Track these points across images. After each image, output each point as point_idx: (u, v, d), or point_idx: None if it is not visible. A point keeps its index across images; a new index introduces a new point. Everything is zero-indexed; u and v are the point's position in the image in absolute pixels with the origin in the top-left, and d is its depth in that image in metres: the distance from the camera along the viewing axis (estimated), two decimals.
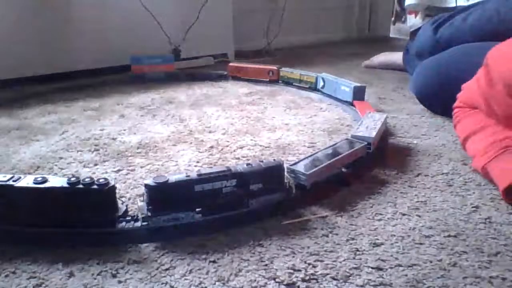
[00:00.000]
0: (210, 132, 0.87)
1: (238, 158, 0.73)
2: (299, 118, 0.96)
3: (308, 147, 0.78)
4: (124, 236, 0.49)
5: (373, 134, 0.70)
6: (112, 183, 0.49)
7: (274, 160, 0.57)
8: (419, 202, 0.58)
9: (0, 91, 1.22)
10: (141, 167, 0.70)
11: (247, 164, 0.53)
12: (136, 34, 1.46)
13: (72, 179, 0.48)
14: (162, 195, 0.49)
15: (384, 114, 0.82)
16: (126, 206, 0.52)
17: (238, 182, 0.52)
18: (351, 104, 1.01)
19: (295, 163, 0.60)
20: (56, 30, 1.34)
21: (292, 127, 0.90)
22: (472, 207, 0.57)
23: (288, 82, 1.25)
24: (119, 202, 0.53)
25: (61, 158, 0.74)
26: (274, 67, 1.28)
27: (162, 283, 0.42)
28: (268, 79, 1.29)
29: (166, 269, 0.44)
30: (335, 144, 0.68)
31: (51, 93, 1.22)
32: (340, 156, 0.63)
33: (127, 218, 0.51)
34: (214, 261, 0.46)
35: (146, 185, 0.49)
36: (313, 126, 0.90)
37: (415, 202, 0.58)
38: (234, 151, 0.77)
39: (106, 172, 0.68)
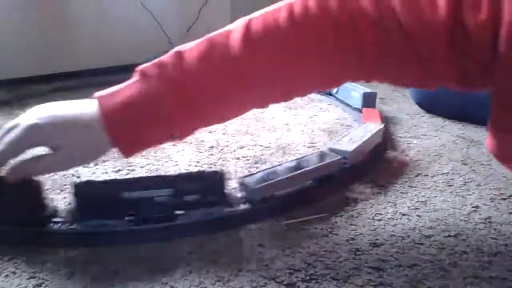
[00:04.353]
0: (210, 132, 0.87)
1: (238, 158, 0.73)
2: (299, 118, 0.96)
3: (308, 147, 0.78)
4: (49, 238, 0.48)
5: (352, 147, 0.64)
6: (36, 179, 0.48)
7: (215, 170, 0.53)
8: (419, 202, 0.58)
9: (0, 91, 1.22)
10: (141, 167, 0.70)
11: (184, 173, 0.51)
12: (136, 34, 1.46)
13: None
14: (87, 198, 0.48)
15: (380, 125, 0.75)
16: (56, 206, 0.51)
17: (171, 191, 0.49)
18: (360, 111, 0.93)
19: (248, 175, 0.57)
20: (56, 30, 1.34)
21: (292, 127, 0.90)
22: (472, 207, 0.57)
23: None
24: (49, 201, 0.51)
25: None
26: None
27: (162, 283, 0.42)
28: None
29: (166, 269, 0.44)
30: (304, 156, 0.63)
31: (51, 93, 1.22)
32: (301, 170, 0.57)
33: (57, 219, 0.49)
34: (214, 261, 0.46)
35: (75, 185, 0.48)
36: (313, 126, 0.90)
37: (415, 202, 0.58)
38: (234, 151, 0.77)
39: (106, 172, 0.68)
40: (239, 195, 0.55)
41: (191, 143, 0.80)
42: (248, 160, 0.73)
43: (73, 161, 0.47)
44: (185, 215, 0.51)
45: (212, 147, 0.78)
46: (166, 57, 0.45)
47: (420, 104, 1.02)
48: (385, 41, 0.42)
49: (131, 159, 0.73)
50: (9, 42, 1.25)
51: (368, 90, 0.96)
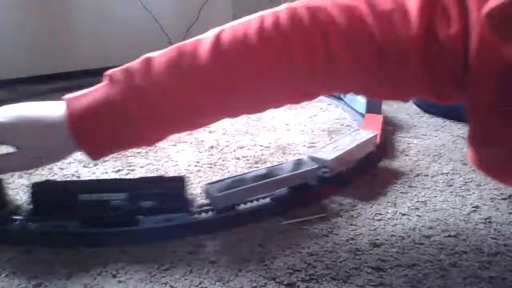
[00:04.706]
0: (210, 132, 0.87)
1: (238, 158, 0.73)
2: (299, 118, 0.96)
3: (308, 147, 0.78)
4: (7, 235, 0.48)
5: (333, 156, 0.60)
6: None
7: (176, 176, 0.51)
8: (419, 202, 0.58)
9: (0, 91, 1.22)
10: (141, 167, 0.70)
11: (145, 177, 0.49)
12: (136, 34, 1.46)
13: None
14: (44, 198, 0.48)
15: (372, 133, 0.70)
16: (18, 204, 0.51)
17: (127, 196, 0.49)
18: (363, 116, 0.88)
19: (214, 182, 0.54)
20: (56, 30, 1.34)
21: (292, 127, 0.90)
22: (472, 207, 0.57)
23: None
24: (10, 198, 0.51)
25: None
26: None
27: (162, 283, 0.42)
28: None
29: (166, 269, 0.44)
30: (279, 164, 0.60)
31: (51, 93, 1.22)
32: (269, 179, 0.54)
33: (17, 217, 0.49)
34: (214, 261, 0.46)
35: (32, 184, 0.48)
36: (313, 126, 0.90)
37: (415, 202, 0.58)
38: (234, 151, 0.77)
39: (106, 172, 0.68)
40: (203, 202, 0.54)
41: (191, 143, 0.80)
42: (248, 160, 0.73)
43: (37, 161, 0.47)
44: (142, 220, 0.50)
45: (212, 147, 0.78)
46: (134, 63, 0.45)
47: (419, 105, 1.02)
48: (357, 53, 0.41)
49: (131, 159, 0.73)
50: (9, 42, 1.25)
51: None
